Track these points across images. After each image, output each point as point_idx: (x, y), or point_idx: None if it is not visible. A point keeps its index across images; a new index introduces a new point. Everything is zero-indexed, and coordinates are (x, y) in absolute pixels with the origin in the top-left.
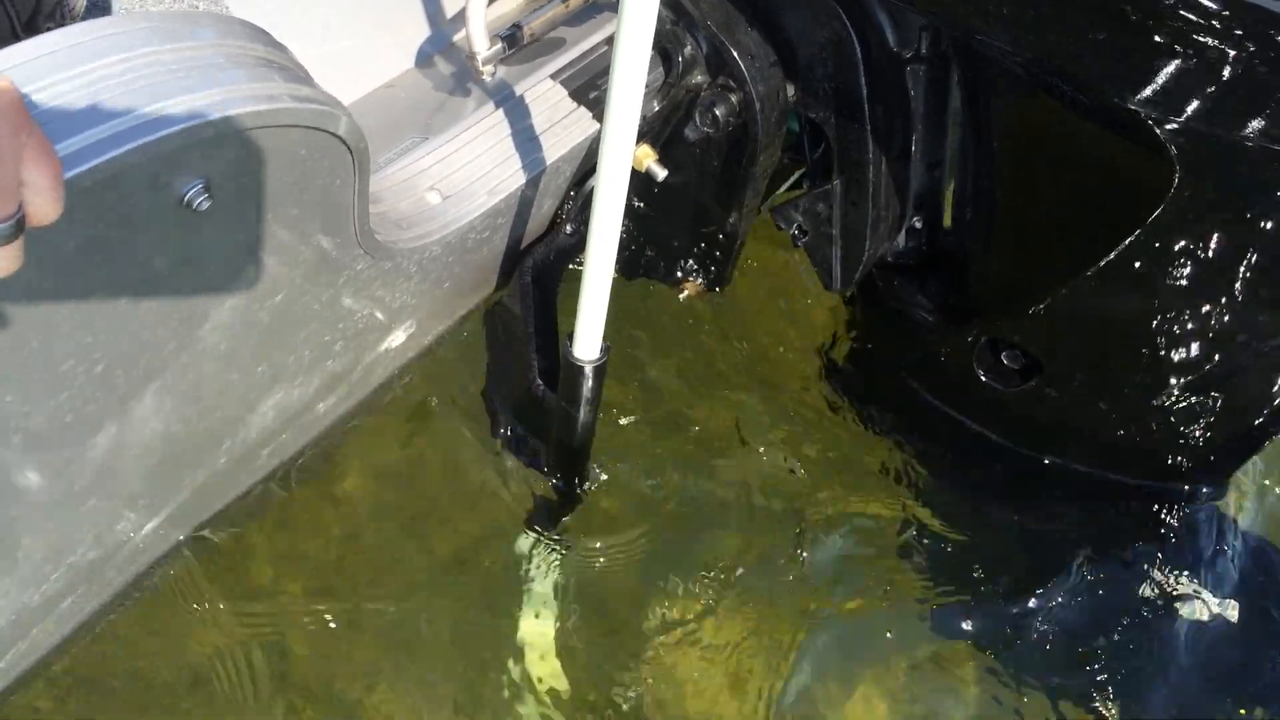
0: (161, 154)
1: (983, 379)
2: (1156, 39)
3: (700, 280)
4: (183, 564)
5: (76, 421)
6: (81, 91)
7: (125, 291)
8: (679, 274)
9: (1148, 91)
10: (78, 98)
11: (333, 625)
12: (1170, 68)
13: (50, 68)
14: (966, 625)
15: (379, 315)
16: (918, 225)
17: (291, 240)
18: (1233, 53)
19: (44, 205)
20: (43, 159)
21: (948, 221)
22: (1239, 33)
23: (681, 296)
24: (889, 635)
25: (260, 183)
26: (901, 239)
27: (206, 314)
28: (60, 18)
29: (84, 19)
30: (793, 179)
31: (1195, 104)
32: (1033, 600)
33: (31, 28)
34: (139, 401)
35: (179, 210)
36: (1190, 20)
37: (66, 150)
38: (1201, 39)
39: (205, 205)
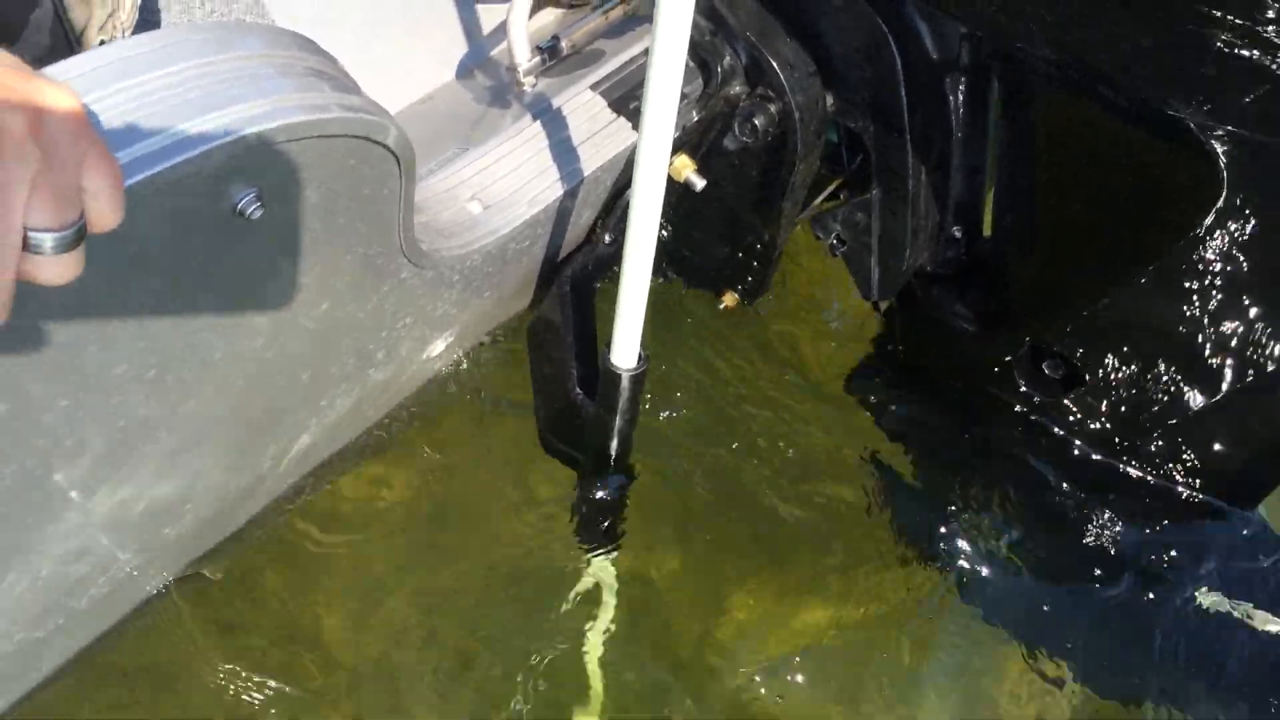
0: (217, 163)
1: (1023, 389)
2: (1202, 44)
3: (739, 290)
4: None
5: (128, 426)
6: (137, 102)
7: (178, 298)
8: (718, 284)
9: (1193, 96)
10: (134, 108)
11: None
12: (1216, 72)
13: (107, 79)
14: (1011, 629)
15: (421, 324)
16: (957, 234)
17: (338, 249)
18: None
19: (104, 212)
20: (103, 166)
21: (987, 230)
22: None
23: (721, 306)
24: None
25: (310, 192)
26: (941, 248)
27: (254, 321)
28: (111, 30)
29: (133, 32)
30: (830, 189)
31: (1241, 109)
32: (1079, 610)
33: (83, 41)
34: (186, 407)
35: (232, 219)
36: (1237, 24)
37: (124, 160)
38: (1248, 42)
39: (258, 214)
